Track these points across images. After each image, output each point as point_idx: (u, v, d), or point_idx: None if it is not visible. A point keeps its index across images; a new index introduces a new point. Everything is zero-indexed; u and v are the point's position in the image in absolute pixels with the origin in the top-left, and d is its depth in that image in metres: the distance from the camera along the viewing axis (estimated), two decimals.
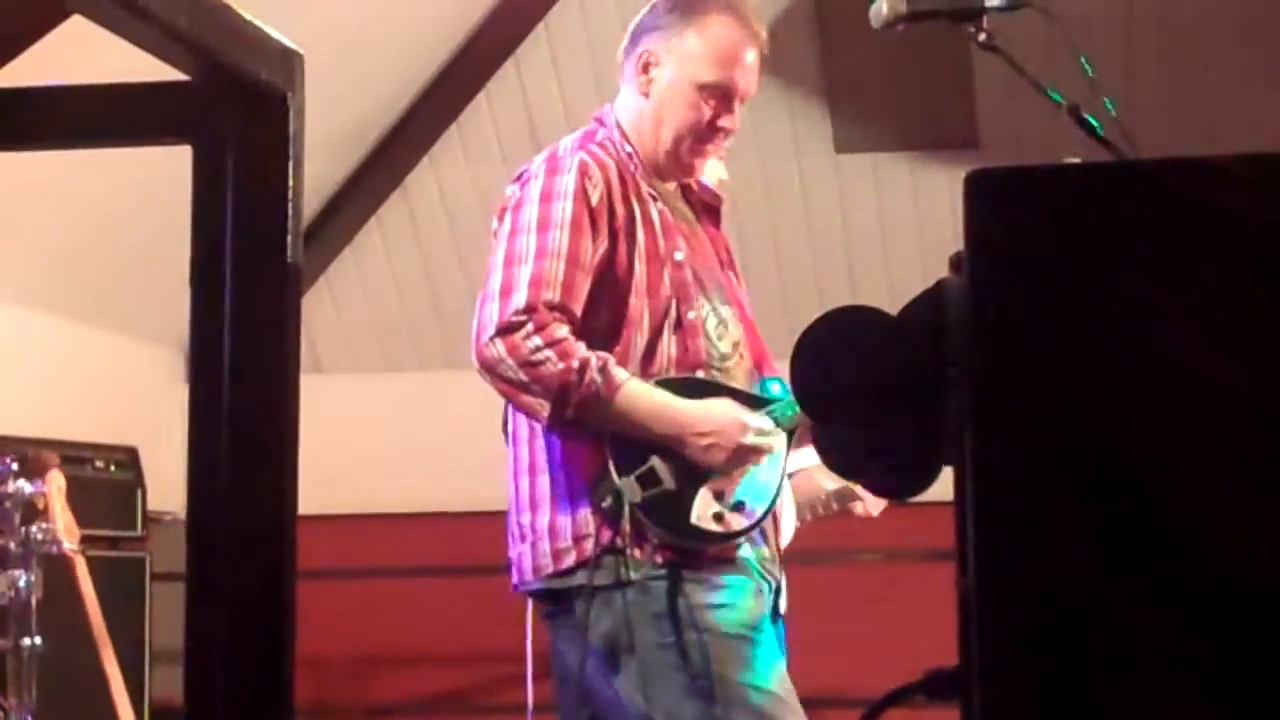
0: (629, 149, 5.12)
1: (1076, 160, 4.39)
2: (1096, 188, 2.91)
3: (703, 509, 4.84)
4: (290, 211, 1.99)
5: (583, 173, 4.92)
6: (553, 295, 4.81)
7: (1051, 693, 2.70)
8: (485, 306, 4.87)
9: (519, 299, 4.80)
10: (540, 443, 4.97)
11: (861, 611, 10.74)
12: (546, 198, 4.90)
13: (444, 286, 12.46)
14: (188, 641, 2.03)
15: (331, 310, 12.19)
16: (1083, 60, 5.09)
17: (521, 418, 5.02)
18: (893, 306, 3.20)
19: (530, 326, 4.75)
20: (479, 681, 12.07)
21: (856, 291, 8.69)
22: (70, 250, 10.35)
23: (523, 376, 4.74)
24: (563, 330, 4.79)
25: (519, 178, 5.06)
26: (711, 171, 5.37)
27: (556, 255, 4.85)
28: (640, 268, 4.97)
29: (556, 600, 5.01)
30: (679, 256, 5.05)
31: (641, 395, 4.86)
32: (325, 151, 11.50)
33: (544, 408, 4.77)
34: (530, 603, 5.25)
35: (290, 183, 1.99)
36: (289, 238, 1.98)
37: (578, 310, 4.87)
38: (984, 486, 2.75)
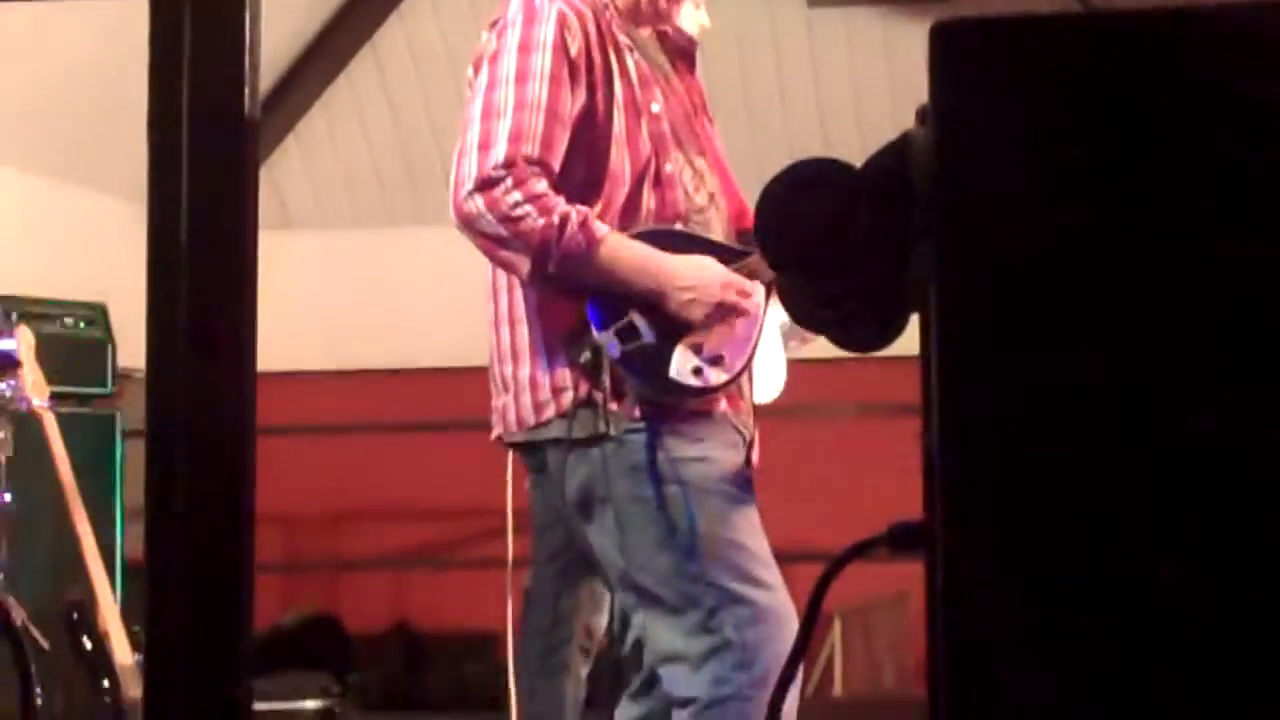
0: None
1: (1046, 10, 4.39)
2: (1064, 40, 2.90)
3: (681, 363, 4.82)
4: (247, 65, 1.97)
5: (561, 23, 4.85)
6: (532, 149, 4.76)
7: (1012, 542, 2.70)
8: (463, 160, 4.79)
9: (498, 153, 4.74)
10: (519, 294, 4.96)
11: (831, 466, 10.77)
12: (525, 48, 4.82)
13: (413, 142, 12.45)
14: (147, 497, 2.02)
15: (300, 167, 12.18)
16: None
17: (500, 270, 4.99)
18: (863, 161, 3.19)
19: (510, 181, 4.70)
20: (451, 537, 12.11)
21: (829, 146, 8.66)
22: (31, 104, 10.32)
23: (502, 232, 4.70)
24: (542, 185, 4.74)
25: (494, 25, 4.98)
26: (691, 19, 5.29)
27: (536, 108, 4.79)
28: (619, 120, 4.92)
29: (536, 452, 5.03)
30: (655, 109, 5.01)
31: (622, 249, 4.83)
32: (294, 7, 11.47)
33: (524, 263, 4.74)
34: (510, 454, 5.28)
35: (247, 36, 1.97)
36: (245, 91, 1.96)
37: (556, 165, 4.82)
38: (949, 337, 2.74)
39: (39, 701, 7.02)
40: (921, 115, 2.79)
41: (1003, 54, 2.77)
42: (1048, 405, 2.66)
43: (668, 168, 4.94)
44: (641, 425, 4.84)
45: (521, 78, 4.81)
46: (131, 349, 9.56)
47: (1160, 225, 2.63)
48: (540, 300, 4.90)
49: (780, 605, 4.95)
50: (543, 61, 4.81)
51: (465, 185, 4.74)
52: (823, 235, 3.25)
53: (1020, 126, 2.71)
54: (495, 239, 4.74)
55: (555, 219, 4.67)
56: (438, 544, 12.17)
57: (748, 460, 5.06)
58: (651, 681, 5.03)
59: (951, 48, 2.77)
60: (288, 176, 11.92)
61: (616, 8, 5.03)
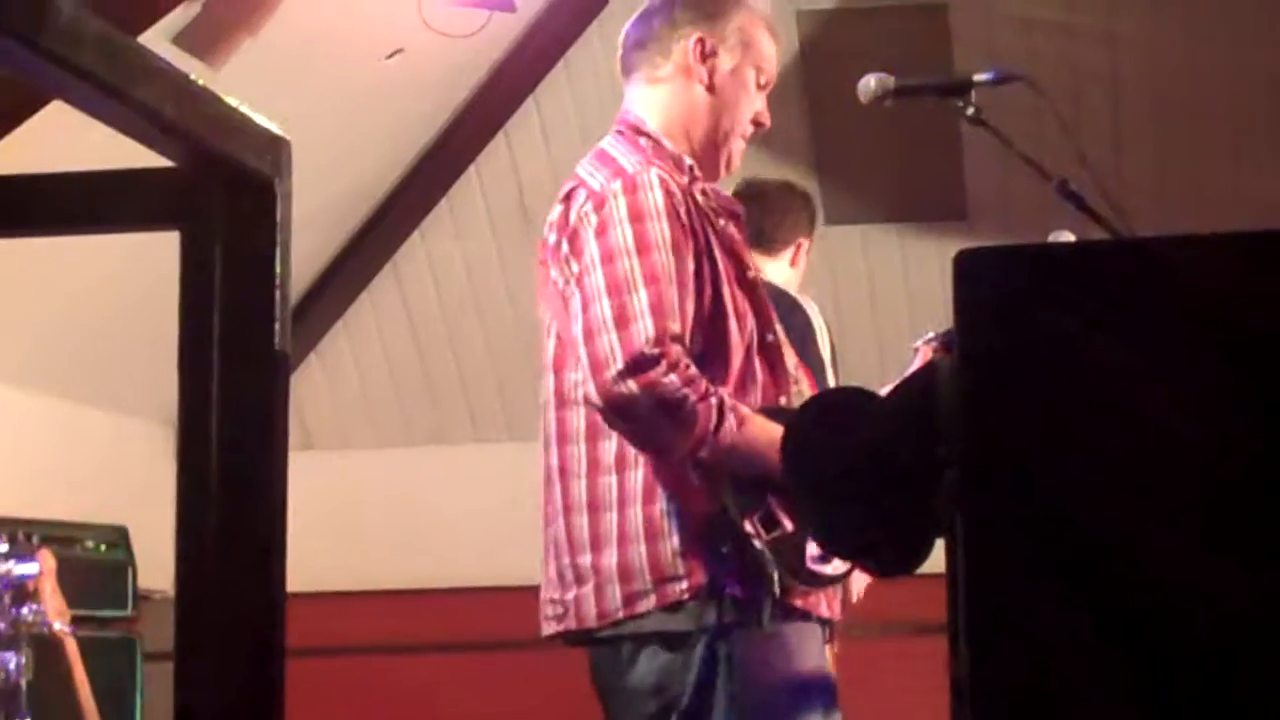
0: (684, 158, 4.93)
1: (1066, 235, 4.42)
2: (1084, 268, 2.93)
3: (813, 551, 4.60)
4: (278, 297, 2.00)
5: (666, 190, 4.70)
6: (676, 325, 4.57)
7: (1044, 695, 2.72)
8: (598, 339, 4.57)
9: (644, 330, 4.53)
10: (605, 479, 4.70)
11: (856, 686, 10.74)
12: (638, 217, 4.64)
13: (434, 362, 12.49)
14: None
15: (323, 386, 12.22)
16: (1070, 132, 5.12)
17: (573, 454, 4.77)
18: (882, 375, 3.22)
19: (664, 364, 4.49)
20: None
21: (845, 362, 8.73)
22: (57, 327, 10.37)
23: (659, 417, 4.50)
24: (693, 366, 4.56)
25: (567, 197, 4.82)
26: None
27: (668, 280, 4.61)
28: (726, 289, 4.76)
29: (614, 650, 4.75)
30: (750, 275, 4.91)
31: (760, 431, 4.58)
32: (317, 227, 11.53)
33: (678, 448, 4.54)
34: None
35: (278, 268, 2.00)
36: (277, 323, 1.99)
37: (689, 340, 4.65)
38: (975, 565, 2.76)
39: None
40: (947, 343, 2.82)
41: (1029, 282, 2.80)
42: (1074, 634, 2.68)
43: (769, 336, 4.83)
44: (769, 613, 4.60)
45: (643, 248, 4.63)
46: (152, 570, 9.59)
47: (1178, 448, 2.67)
48: (649, 483, 4.66)
49: None
50: (660, 230, 4.65)
51: (612, 366, 4.53)
52: (853, 474, 3.28)
53: (1046, 357, 2.74)
54: (648, 424, 4.55)
55: (713, 404, 4.51)
56: None
57: None
58: None
59: (976, 276, 2.80)
60: (310, 396, 11.95)
61: (695, 172, 4.92)
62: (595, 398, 4.61)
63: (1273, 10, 11.06)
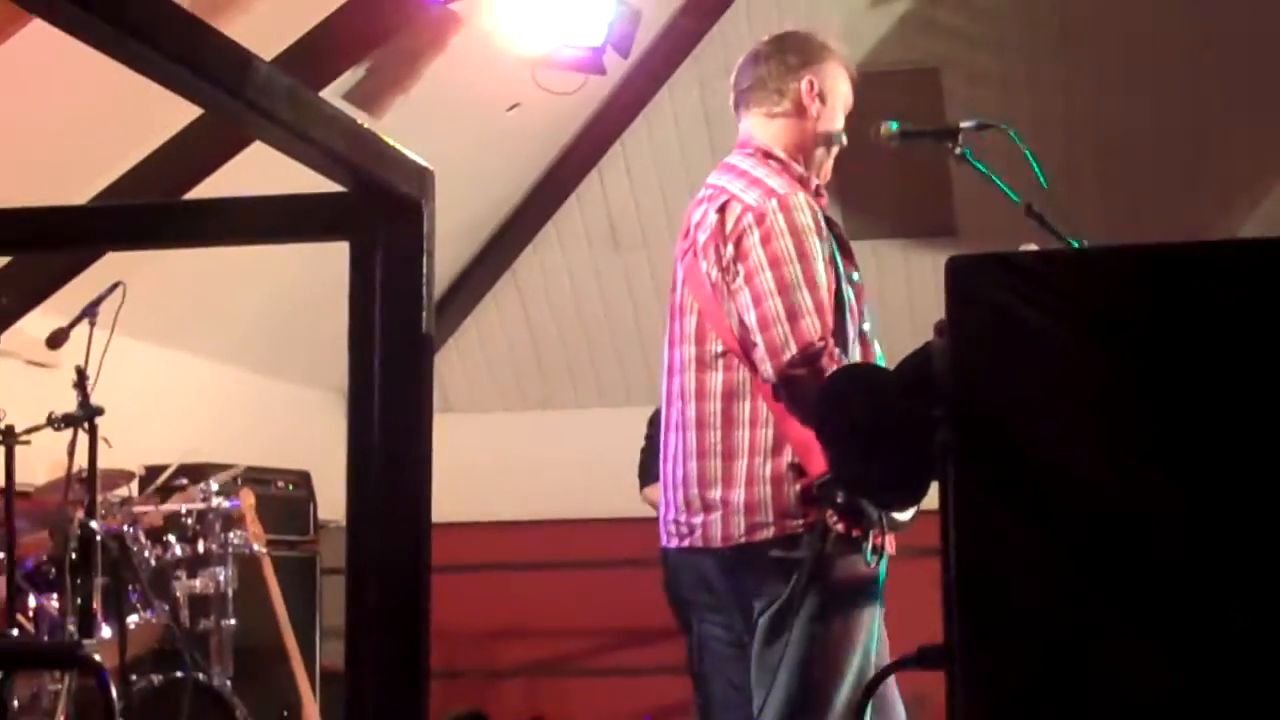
0: (811, 178, 4.94)
1: (1031, 246, 4.39)
2: (1046, 271, 2.93)
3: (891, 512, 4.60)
4: (424, 294, 2.00)
5: (811, 209, 4.70)
6: (830, 323, 4.59)
7: (1018, 661, 2.71)
8: (774, 328, 4.56)
9: (812, 326, 4.54)
10: (739, 432, 4.69)
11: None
12: (795, 232, 4.62)
13: (544, 347, 12.51)
14: (348, 620, 2.04)
15: (458, 364, 12.24)
16: (1035, 167, 5.09)
17: (709, 409, 4.73)
18: (889, 361, 3.22)
19: (827, 358, 4.50)
20: (572, 650, 12.10)
21: None
22: (256, 319, 10.41)
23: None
24: (844, 358, 4.58)
25: (722, 207, 4.74)
26: None
27: (823, 286, 4.63)
28: (844, 288, 4.75)
29: (737, 562, 4.69)
30: (856, 278, 4.89)
31: None
32: (454, 241, 11.56)
33: None
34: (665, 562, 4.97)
35: (424, 271, 2.00)
36: (423, 314, 1.98)
37: None
38: (962, 502, 2.76)
39: None
40: (939, 329, 2.82)
41: (1003, 281, 2.79)
42: (1043, 556, 2.69)
43: (865, 326, 4.81)
44: (859, 546, 4.61)
45: (803, 256, 4.61)
46: (328, 505, 9.62)
47: (1125, 418, 2.67)
48: (794, 442, 4.63)
49: None
50: (812, 242, 4.65)
51: (788, 353, 4.53)
52: (869, 427, 3.28)
53: (1016, 339, 2.74)
54: (806, 401, 4.44)
55: None
56: (562, 657, 12.14)
57: None
58: None
59: (963, 277, 2.80)
60: (448, 372, 11.97)
61: (820, 190, 4.92)
62: (771, 375, 4.59)
63: (1192, 76, 11.01)
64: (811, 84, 4.91)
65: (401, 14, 8.51)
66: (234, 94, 1.70)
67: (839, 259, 4.77)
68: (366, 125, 2.03)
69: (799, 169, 4.89)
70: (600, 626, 11.87)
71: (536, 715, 12.01)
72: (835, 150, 5.03)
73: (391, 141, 2.05)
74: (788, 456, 4.64)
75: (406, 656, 1.98)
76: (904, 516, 4.68)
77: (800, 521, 4.62)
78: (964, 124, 5.30)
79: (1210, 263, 2.86)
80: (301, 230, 2.22)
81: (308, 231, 2.18)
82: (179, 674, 7.08)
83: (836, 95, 4.98)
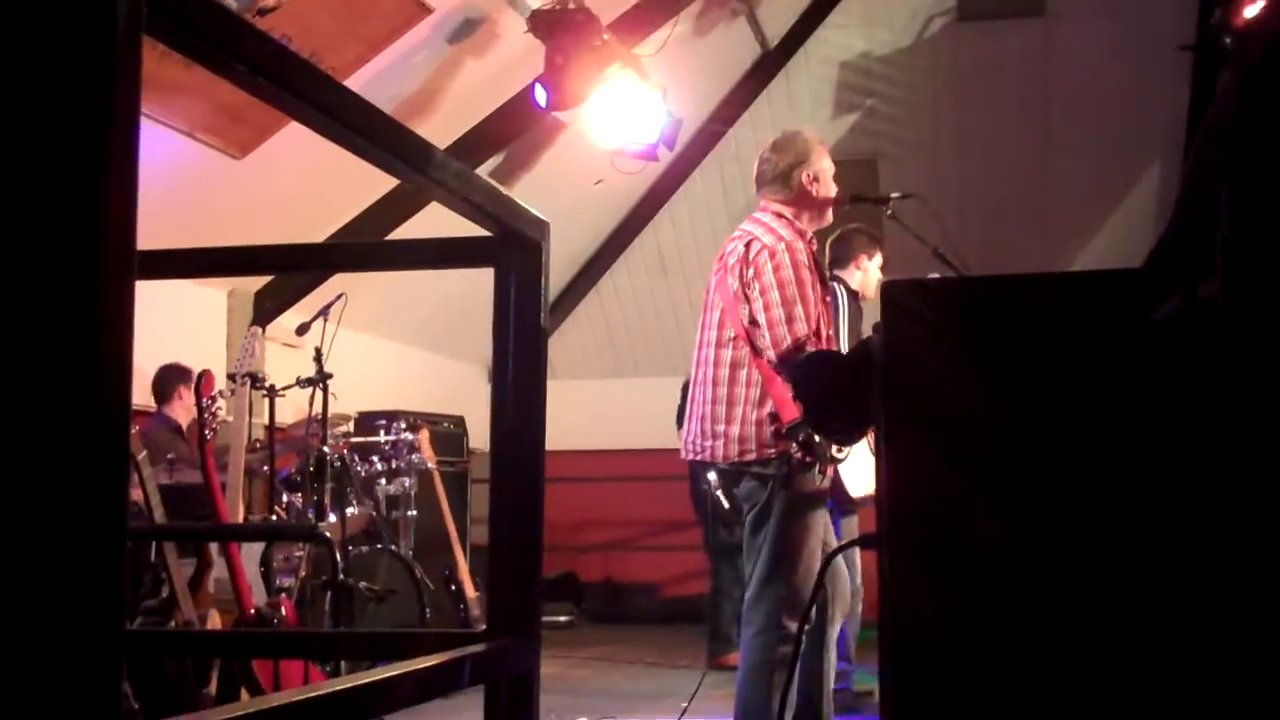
0: (806, 230, 4.87)
1: (936, 275, 4.38)
2: (954, 292, 2.92)
3: (835, 447, 4.64)
4: (541, 302, 2.00)
5: (807, 253, 4.72)
6: (815, 326, 4.63)
7: (929, 544, 2.69)
8: (777, 327, 4.61)
9: (801, 329, 4.59)
10: (738, 389, 4.73)
11: None
12: (795, 265, 4.64)
13: (617, 337, 12.51)
14: (491, 510, 2.04)
15: (561, 347, 12.25)
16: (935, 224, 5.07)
17: (722, 374, 4.75)
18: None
19: (810, 345, 4.56)
20: (632, 535, 12.13)
21: None
22: (431, 318, 10.44)
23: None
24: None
25: (749, 245, 4.74)
26: None
27: (810, 301, 4.64)
28: (817, 306, 4.70)
29: (733, 473, 4.73)
30: (826, 298, 4.85)
31: None
32: (560, 268, 11.57)
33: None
34: (692, 469, 4.99)
35: (541, 288, 2.00)
36: (541, 315, 1.98)
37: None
38: (889, 442, 2.75)
39: (428, 614, 7.06)
40: (876, 329, 2.81)
41: (918, 297, 2.78)
42: (951, 489, 2.67)
43: (827, 331, 4.77)
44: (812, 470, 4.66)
45: (799, 283, 4.64)
46: (476, 437, 9.65)
47: (1012, 401, 2.65)
48: (775, 398, 4.64)
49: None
50: (805, 274, 4.66)
51: (786, 342, 4.58)
52: (829, 393, 3.27)
53: (927, 336, 2.72)
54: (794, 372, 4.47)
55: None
56: (626, 538, 12.16)
57: None
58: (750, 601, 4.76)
59: (891, 294, 2.79)
60: (556, 351, 12.00)
61: (810, 239, 4.84)
62: (773, 356, 4.63)
63: (1041, 155, 10.95)
64: (809, 175, 4.91)
65: (526, 120, 8.53)
66: (419, 170, 1.70)
67: (817, 284, 4.73)
68: (504, 192, 2.03)
69: (799, 225, 4.86)
70: (650, 519, 11.88)
71: (609, 576, 12.05)
72: (832, 208, 5.01)
73: (521, 202, 2.05)
74: (769, 407, 4.66)
75: (527, 534, 1.98)
76: (841, 455, 4.74)
77: (774, 450, 4.64)
78: (893, 194, 5.29)
79: (1047, 287, 2.85)
80: (462, 260, 2.21)
81: (466, 261, 2.17)
82: (379, 546, 7.13)
83: (826, 173, 4.94)
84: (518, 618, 1.93)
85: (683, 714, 5.25)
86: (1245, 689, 2.21)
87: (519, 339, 2.01)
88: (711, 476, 4.83)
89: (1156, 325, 2.40)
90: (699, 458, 4.83)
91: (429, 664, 1.64)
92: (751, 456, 4.67)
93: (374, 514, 7.36)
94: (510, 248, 2.03)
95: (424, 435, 7.83)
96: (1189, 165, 2.45)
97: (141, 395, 7.16)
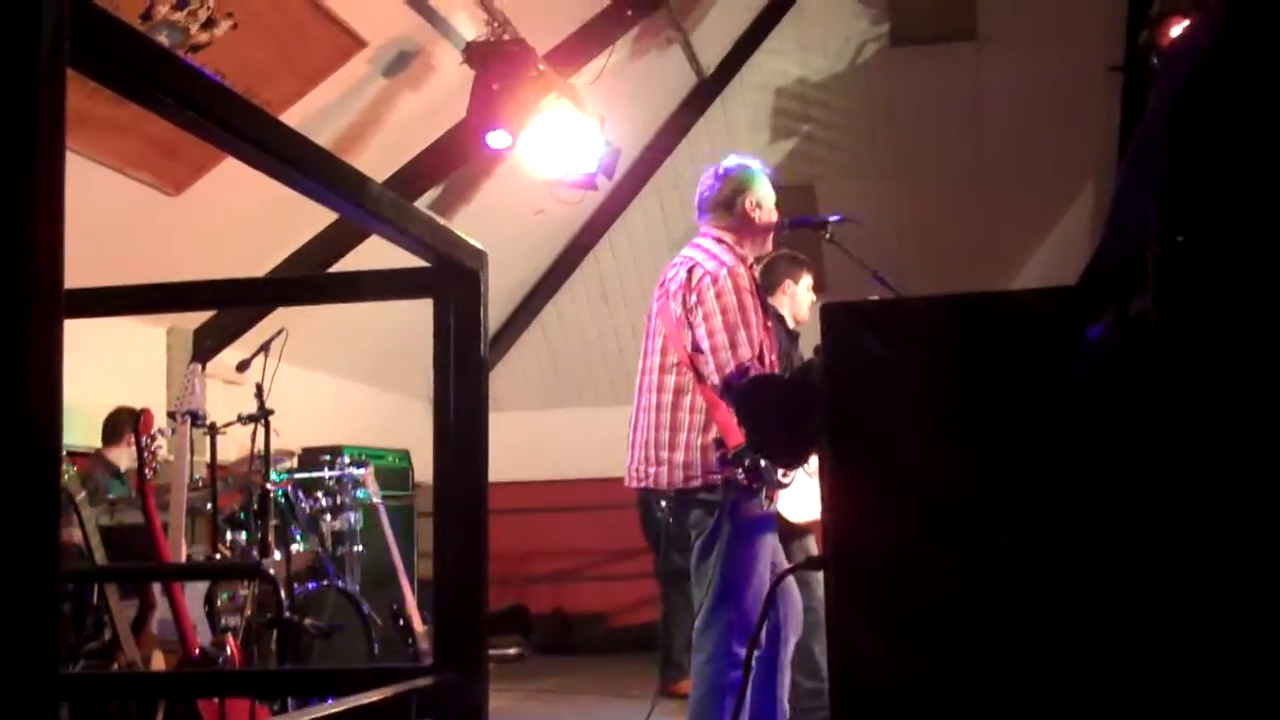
0: (747, 256, 4.91)
1: (875, 297, 4.41)
2: (891, 313, 2.94)
3: (780, 473, 4.63)
4: (481, 333, 1.99)
5: (749, 278, 4.76)
6: (758, 351, 4.63)
7: (875, 567, 2.71)
8: (720, 353, 4.61)
9: (745, 354, 4.58)
10: (682, 414, 4.71)
11: None
12: (738, 290, 4.65)
13: (561, 366, 12.50)
14: (436, 547, 2.03)
15: (505, 378, 12.22)
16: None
17: (665, 400, 4.74)
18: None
19: (753, 370, 4.55)
20: (580, 565, 12.09)
21: None
22: (372, 352, 10.39)
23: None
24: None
25: (690, 270, 4.76)
26: None
27: (757, 326, 4.66)
28: (760, 331, 4.71)
29: (678, 499, 4.73)
30: (768, 322, 4.85)
31: None
32: (502, 298, 11.55)
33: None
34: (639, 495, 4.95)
35: (481, 318, 2.00)
36: (481, 345, 1.98)
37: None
38: (833, 464, 2.76)
39: (376, 649, 7.02)
40: (817, 351, 2.82)
41: (857, 319, 2.80)
42: (884, 493, 2.68)
43: (772, 356, 4.76)
44: (758, 498, 4.67)
45: (742, 308, 4.64)
46: (421, 471, 9.60)
47: (952, 419, 2.67)
48: (720, 425, 4.63)
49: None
50: (747, 299, 4.66)
51: (729, 367, 4.57)
52: (773, 415, 3.28)
53: (866, 358, 2.74)
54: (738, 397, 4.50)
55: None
56: (575, 569, 12.13)
57: None
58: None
59: (831, 317, 2.81)
60: (499, 381, 11.97)
61: (750, 264, 4.89)
62: (717, 381, 4.62)
63: (979, 182, 11.04)
64: (751, 201, 4.92)
65: (464, 152, 8.52)
66: (354, 202, 1.70)
67: (758, 308, 4.75)
68: (442, 223, 2.03)
69: (741, 251, 4.88)
70: (599, 548, 11.85)
71: (558, 607, 12.00)
72: (773, 233, 5.03)
73: (459, 233, 2.05)
74: (713, 433, 4.66)
75: (471, 567, 1.97)
76: (787, 480, 4.74)
77: (719, 476, 4.64)
78: (831, 218, 5.31)
79: (982, 306, 2.87)
80: (401, 292, 2.21)
81: (406, 293, 2.17)
82: (325, 583, 7.08)
83: (768, 199, 4.97)
84: (464, 651, 1.92)
85: None
86: (1186, 702, 2.23)
87: (459, 369, 2.00)
88: (664, 502, 4.83)
89: (1091, 343, 2.42)
90: (643, 484, 4.83)
91: (374, 699, 1.63)
92: (697, 483, 4.67)
93: (319, 550, 7.31)
94: (448, 278, 2.02)
95: (368, 470, 7.79)
96: (1119, 183, 2.48)
97: (84, 436, 7.09)
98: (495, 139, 7.32)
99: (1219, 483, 2.11)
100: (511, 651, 10.90)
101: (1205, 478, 2.15)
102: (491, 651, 10.14)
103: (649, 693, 7.66)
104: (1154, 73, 5.30)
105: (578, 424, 12.06)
